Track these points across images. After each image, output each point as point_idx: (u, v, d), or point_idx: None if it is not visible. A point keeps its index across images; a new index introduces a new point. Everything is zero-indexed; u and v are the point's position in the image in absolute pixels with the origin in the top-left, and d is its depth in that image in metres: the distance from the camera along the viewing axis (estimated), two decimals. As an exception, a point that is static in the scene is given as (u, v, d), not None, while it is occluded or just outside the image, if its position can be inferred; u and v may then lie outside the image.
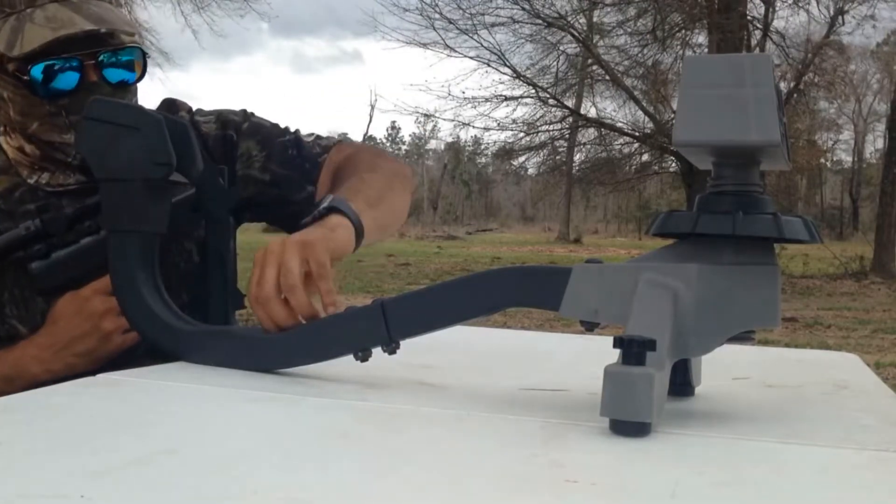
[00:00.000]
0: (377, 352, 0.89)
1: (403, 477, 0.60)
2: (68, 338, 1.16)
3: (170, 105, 1.38)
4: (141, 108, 1.06)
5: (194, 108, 1.39)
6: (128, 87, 1.25)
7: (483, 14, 14.78)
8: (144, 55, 1.28)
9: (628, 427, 0.69)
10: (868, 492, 0.61)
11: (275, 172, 1.33)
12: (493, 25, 14.83)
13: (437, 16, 14.88)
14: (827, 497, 0.59)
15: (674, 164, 15.71)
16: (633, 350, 0.69)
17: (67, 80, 1.20)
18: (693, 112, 0.75)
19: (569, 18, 15.05)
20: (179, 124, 1.05)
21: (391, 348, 0.88)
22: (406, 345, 0.90)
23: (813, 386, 1.01)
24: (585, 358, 1.17)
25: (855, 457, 0.69)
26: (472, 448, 0.68)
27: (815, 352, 1.45)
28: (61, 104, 1.21)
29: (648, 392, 0.68)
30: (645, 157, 16.97)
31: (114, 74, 1.24)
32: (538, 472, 0.61)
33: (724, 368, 1.03)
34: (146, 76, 1.29)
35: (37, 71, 1.19)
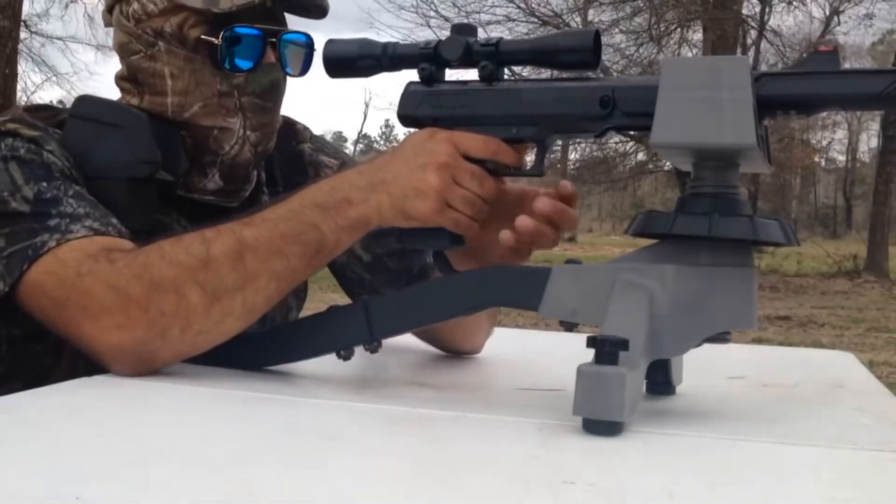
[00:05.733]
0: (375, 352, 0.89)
1: (400, 478, 0.60)
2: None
3: (289, 124, 1.20)
4: (126, 107, 1.06)
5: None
6: (289, 78, 1.08)
7: (479, 12, 14.80)
8: (313, 49, 1.08)
9: (600, 426, 0.70)
10: (865, 491, 0.61)
11: (377, 256, 1.15)
12: (488, 24, 14.84)
13: (432, 13, 14.89)
14: (824, 497, 0.60)
15: (668, 164, 15.72)
16: (606, 350, 0.69)
17: (249, 53, 1.02)
18: (671, 113, 0.75)
19: (564, 17, 15.06)
20: (166, 124, 1.04)
21: (373, 347, 0.88)
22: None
23: (809, 385, 1.02)
24: (581, 357, 1.16)
25: (852, 456, 0.69)
26: (470, 449, 0.68)
27: (811, 350, 1.45)
28: (235, 83, 1.02)
29: (620, 391, 0.68)
30: (640, 156, 16.99)
31: (288, 60, 1.06)
32: (536, 473, 0.61)
33: (719, 368, 1.04)
34: None
35: (227, 36, 1.00)
